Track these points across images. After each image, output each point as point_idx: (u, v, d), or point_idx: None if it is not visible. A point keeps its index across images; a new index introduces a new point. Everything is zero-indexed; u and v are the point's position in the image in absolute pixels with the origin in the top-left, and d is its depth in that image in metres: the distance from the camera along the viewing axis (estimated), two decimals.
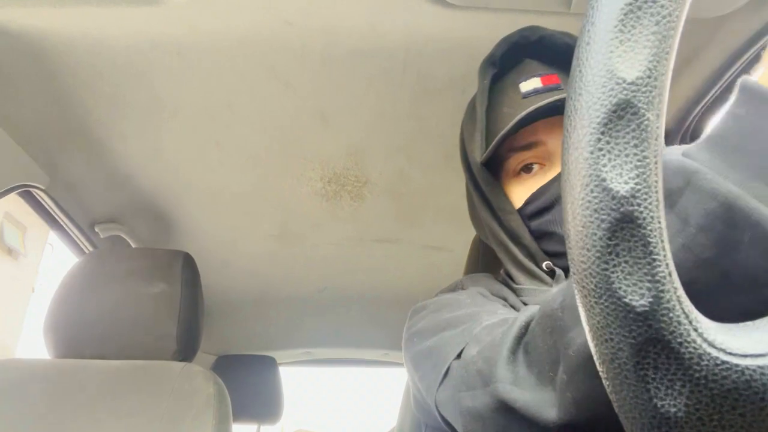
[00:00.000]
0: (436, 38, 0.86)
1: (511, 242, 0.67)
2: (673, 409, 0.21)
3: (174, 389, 0.95)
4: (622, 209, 0.21)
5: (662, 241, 0.22)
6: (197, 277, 1.12)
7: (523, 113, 0.61)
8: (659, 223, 0.22)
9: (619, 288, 0.21)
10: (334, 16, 0.82)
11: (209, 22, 0.83)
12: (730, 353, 0.20)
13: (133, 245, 1.43)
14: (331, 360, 2.26)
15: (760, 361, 0.20)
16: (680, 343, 0.21)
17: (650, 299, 0.21)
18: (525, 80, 0.67)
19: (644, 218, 0.21)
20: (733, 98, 0.29)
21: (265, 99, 1.00)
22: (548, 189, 0.64)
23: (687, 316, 0.21)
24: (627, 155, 0.22)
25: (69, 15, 0.81)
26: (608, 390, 0.23)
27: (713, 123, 0.30)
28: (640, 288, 0.21)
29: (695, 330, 0.21)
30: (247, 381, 1.92)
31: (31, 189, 1.12)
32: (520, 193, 0.67)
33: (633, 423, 0.22)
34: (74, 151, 1.13)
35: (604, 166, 0.22)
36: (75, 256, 1.36)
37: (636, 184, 0.21)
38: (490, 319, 0.52)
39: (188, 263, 1.10)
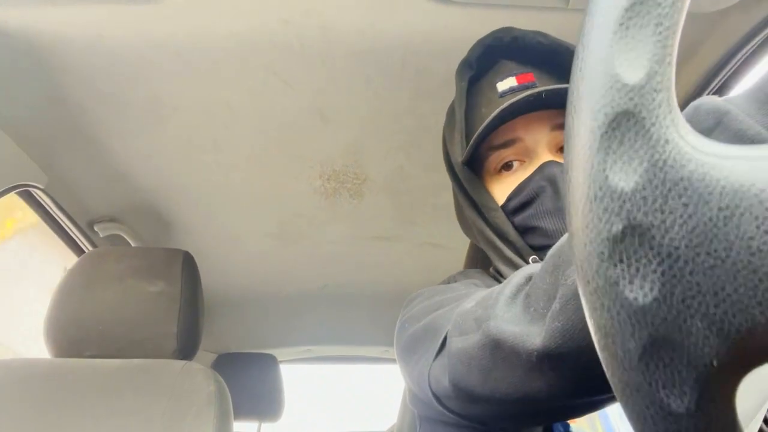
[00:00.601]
0: (435, 36, 0.86)
1: (498, 239, 0.68)
2: (621, 183, 0.21)
3: (174, 388, 0.95)
4: None
5: (675, 29, 0.21)
6: (197, 275, 1.12)
7: (499, 109, 0.63)
8: (679, 11, 0.21)
9: (617, 58, 0.21)
10: (333, 15, 0.82)
11: (208, 21, 0.83)
12: (696, 148, 0.20)
13: (133, 244, 1.43)
14: (332, 357, 2.27)
15: (721, 161, 0.20)
16: (653, 124, 0.21)
17: (642, 75, 0.21)
18: (501, 80, 0.69)
19: None
20: None
21: (263, 97, 1.00)
22: (528, 184, 0.65)
23: (669, 105, 0.21)
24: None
25: (68, 14, 0.81)
26: (566, 164, 0.23)
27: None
28: (637, 63, 0.21)
29: (672, 119, 0.21)
30: (248, 379, 1.92)
31: (29, 188, 1.12)
32: (502, 190, 0.68)
33: (578, 194, 0.22)
34: (73, 151, 1.13)
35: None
36: (74, 256, 1.36)
37: None
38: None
39: (188, 262, 1.10)
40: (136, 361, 1.00)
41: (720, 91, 0.94)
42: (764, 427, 0.61)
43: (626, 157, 0.21)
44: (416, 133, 1.10)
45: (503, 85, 0.68)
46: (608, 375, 0.23)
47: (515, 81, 0.68)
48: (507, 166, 0.68)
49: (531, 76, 0.68)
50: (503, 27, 0.73)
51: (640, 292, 0.21)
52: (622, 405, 0.23)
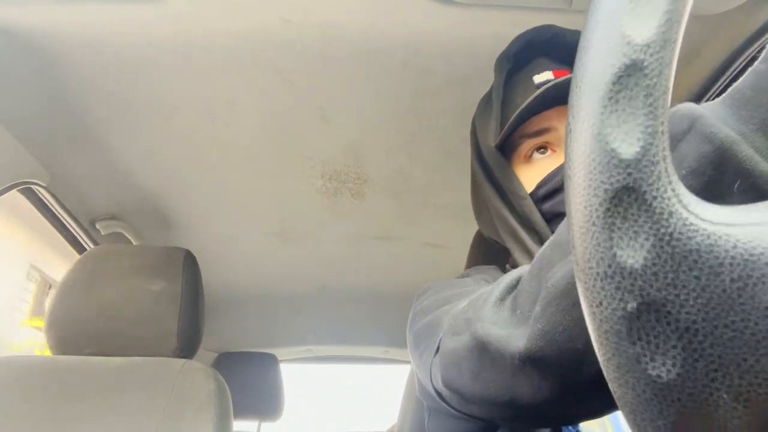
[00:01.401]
0: (436, 36, 0.86)
1: (522, 229, 0.67)
2: (630, 260, 0.21)
3: (175, 386, 0.95)
4: (633, 56, 0.21)
5: (664, 98, 0.21)
6: (198, 274, 1.12)
7: (535, 94, 0.63)
8: (666, 80, 0.21)
9: (610, 133, 0.21)
10: (334, 14, 0.82)
11: (209, 20, 0.83)
12: (700, 217, 0.20)
13: (134, 242, 1.44)
14: (332, 357, 2.27)
15: (728, 230, 0.20)
16: (654, 197, 0.20)
17: (637, 149, 0.21)
18: (538, 73, 0.70)
19: (653, 69, 0.21)
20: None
21: (265, 96, 1.00)
22: (560, 171, 0.65)
23: (668, 175, 0.21)
24: (649, 3, 0.21)
25: (70, 12, 0.81)
26: (572, 240, 0.23)
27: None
28: (630, 137, 0.21)
29: (673, 190, 0.21)
30: (248, 378, 1.92)
31: (31, 186, 1.12)
32: (531, 177, 0.68)
33: (588, 273, 0.22)
34: (75, 148, 1.13)
35: (626, 13, 0.22)
36: (76, 254, 1.36)
37: (654, 34, 0.21)
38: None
39: (189, 260, 1.10)
40: (136, 359, 1.00)
41: (723, 93, 0.94)
42: None
43: (632, 233, 0.21)
44: (417, 133, 1.10)
45: (540, 78, 0.69)
46: None
47: (552, 75, 0.69)
48: (538, 155, 0.68)
49: (568, 72, 0.69)
50: (545, 24, 0.74)
51: (663, 368, 0.20)
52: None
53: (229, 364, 1.95)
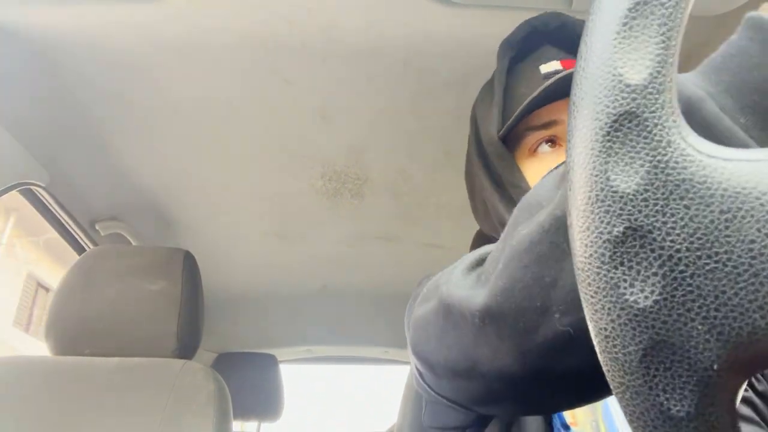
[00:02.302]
0: (437, 36, 0.86)
1: None
2: (623, 185, 0.21)
3: (174, 387, 0.95)
4: None
5: (678, 29, 0.21)
6: (198, 274, 1.12)
7: (543, 86, 0.61)
8: (683, 11, 0.21)
9: (620, 59, 0.21)
10: (335, 14, 0.82)
11: (210, 20, 0.83)
12: (698, 150, 0.20)
13: (134, 243, 1.43)
14: (332, 357, 2.27)
15: (723, 163, 0.20)
16: (656, 125, 0.21)
17: (645, 75, 0.21)
18: (545, 62, 0.68)
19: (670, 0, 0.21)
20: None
21: (265, 97, 1.00)
22: None
23: (672, 106, 0.21)
24: None
25: (70, 13, 0.81)
26: (569, 164, 0.23)
27: None
28: (640, 63, 0.21)
29: (674, 121, 0.21)
30: (248, 378, 1.92)
31: (31, 187, 1.12)
32: (536, 170, 0.66)
33: (581, 196, 0.22)
34: (75, 149, 1.13)
35: None
36: (76, 254, 1.36)
37: None
38: None
39: (189, 261, 1.10)
40: (136, 359, 1.00)
41: None
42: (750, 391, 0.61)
43: (628, 159, 0.21)
44: (418, 133, 1.10)
45: (547, 68, 0.67)
46: (608, 378, 0.23)
47: (560, 65, 0.66)
48: (546, 148, 0.66)
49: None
50: (553, 12, 0.71)
51: (641, 294, 0.21)
52: (622, 408, 0.23)
53: (228, 364, 1.95)
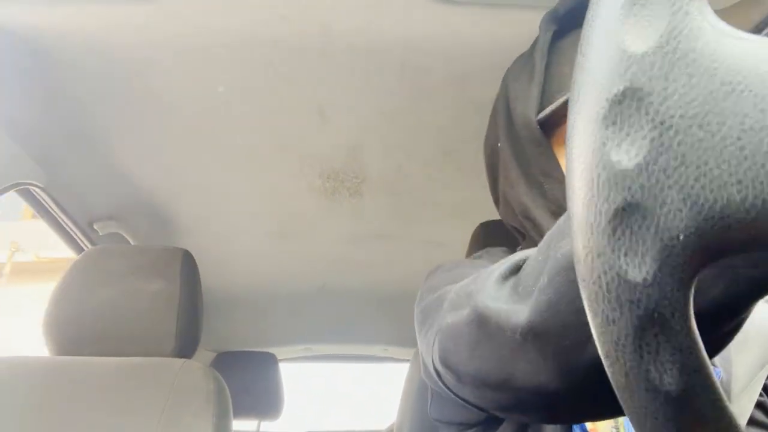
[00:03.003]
0: (434, 35, 0.85)
1: (552, 217, 0.60)
2: (634, 46, 0.21)
3: (174, 386, 0.95)
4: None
5: None
6: (196, 274, 1.12)
7: None
8: None
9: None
10: (332, 12, 0.82)
11: (206, 19, 0.83)
12: (713, 25, 0.21)
13: (132, 242, 1.43)
14: (331, 356, 2.27)
15: (735, 41, 0.20)
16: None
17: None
18: None
19: None
20: None
21: (262, 96, 1.00)
22: None
23: None
24: None
25: (66, 13, 0.81)
26: (584, 32, 0.23)
27: None
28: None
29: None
30: (247, 377, 1.92)
31: (29, 187, 1.12)
32: None
33: (590, 51, 0.22)
34: (72, 149, 1.13)
35: None
36: (74, 254, 1.36)
37: None
38: None
39: (187, 260, 1.10)
40: (135, 359, 1.00)
41: None
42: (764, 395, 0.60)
43: (645, 22, 0.21)
44: (416, 131, 1.10)
45: None
46: (574, 241, 0.23)
47: None
48: None
49: None
50: None
51: (625, 155, 0.21)
52: (578, 270, 0.23)
53: (228, 363, 1.95)
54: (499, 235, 0.96)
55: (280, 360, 2.05)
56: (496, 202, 0.76)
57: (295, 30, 0.85)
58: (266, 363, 1.99)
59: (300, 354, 2.19)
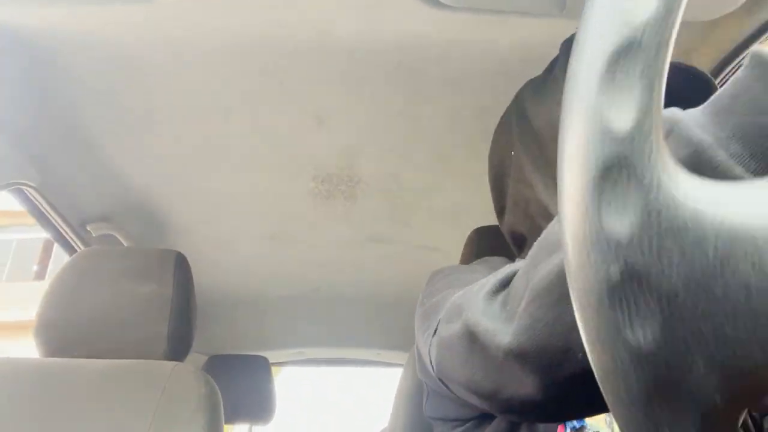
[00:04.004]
0: (430, 39, 0.86)
1: None
2: (617, 229, 0.21)
3: (165, 389, 0.95)
4: (631, 34, 0.21)
5: (660, 76, 0.22)
6: (190, 276, 1.11)
7: None
8: (664, 58, 0.22)
9: (604, 108, 0.21)
10: (329, 17, 0.82)
11: (202, 22, 0.83)
12: (688, 191, 0.21)
13: (125, 244, 1.43)
14: (324, 360, 2.26)
15: (715, 207, 0.20)
16: (645, 172, 0.21)
17: (631, 123, 0.21)
18: None
19: (649, 46, 0.21)
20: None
21: (258, 99, 1.00)
22: None
23: (660, 152, 0.21)
24: None
25: (61, 13, 0.80)
26: (561, 212, 0.23)
27: None
28: (625, 112, 0.21)
29: (663, 165, 0.21)
30: (240, 381, 1.91)
31: (21, 186, 1.11)
32: None
33: (574, 240, 0.22)
34: (66, 149, 1.12)
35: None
36: (66, 255, 1.35)
37: (653, 12, 0.21)
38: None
39: (181, 263, 1.09)
40: (126, 361, 0.99)
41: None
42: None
43: (620, 203, 0.21)
44: (410, 135, 1.11)
45: None
46: (612, 411, 0.23)
47: None
48: None
49: None
50: None
51: (640, 335, 0.21)
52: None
53: (220, 366, 1.94)
54: (494, 240, 0.97)
55: (273, 364, 2.04)
56: (501, 212, 0.79)
57: (291, 33, 0.85)
58: (259, 366, 1.98)
59: (293, 358, 2.19)
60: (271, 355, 2.04)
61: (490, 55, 0.77)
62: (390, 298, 1.78)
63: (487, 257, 0.80)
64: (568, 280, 0.23)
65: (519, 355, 0.36)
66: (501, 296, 0.42)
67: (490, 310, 0.42)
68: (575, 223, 0.22)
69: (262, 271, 1.68)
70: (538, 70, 0.76)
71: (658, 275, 0.20)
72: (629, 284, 0.21)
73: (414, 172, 1.22)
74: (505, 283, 0.43)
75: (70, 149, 1.12)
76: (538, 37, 0.84)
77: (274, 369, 2.01)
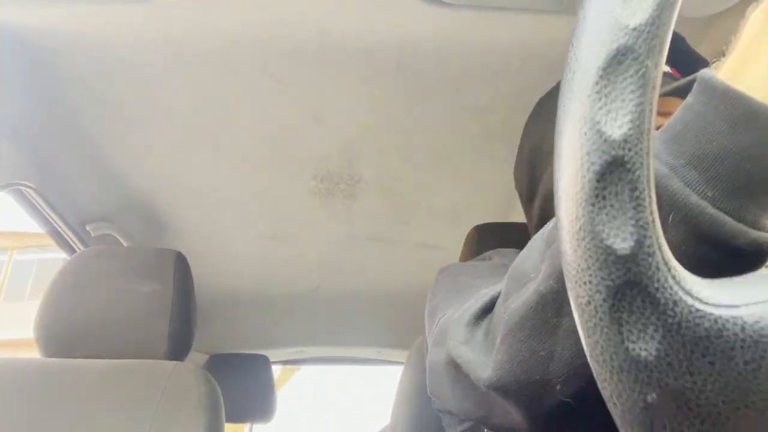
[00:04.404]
0: (430, 37, 0.86)
1: None
2: (644, 353, 0.21)
3: (166, 388, 0.95)
4: (612, 153, 0.21)
5: (649, 188, 0.22)
6: (189, 276, 1.11)
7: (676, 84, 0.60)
8: (648, 169, 0.22)
9: (603, 231, 0.21)
10: (328, 16, 0.82)
11: (203, 21, 0.83)
12: (705, 302, 0.20)
13: (125, 244, 1.42)
14: (324, 358, 2.26)
15: (733, 312, 0.20)
16: (657, 289, 0.21)
17: (632, 243, 0.21)
18: None
19: (633, 163, 0.21)
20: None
21: (258, 97, 1.00)
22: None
23: (666, 264, 0.21)
24: (623, 100, 0.22)
25: (61, 13, 0.80)
26: (581, 333, 0.23)
27: None
28: (623, 232, 0.21)
29: (673, 277, 0.21)
30: (240, 380, 1.91)
31: (21, 187, 1.11)
32: None
33: (603, 366, 0.22)
34: (65, 149, 1.12)
35: (600, 109, 0.22)
36: (66, 255, 1.35)
37: (629, 129, 0.21)
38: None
39: (180, 262, 1.09)
40: (127, 361, 0.99)
41: None
42: None
43: (640, 326, 0.21)
44: (411, 134, 1.10)
45: None
46: None
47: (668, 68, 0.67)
48: None
49: (673, 70, 0.67)
50: None
51: None
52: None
53: (220, 365, 1.94)
54: (494, 238, 0.97)
55: (273, 362, 2.04)
56: (531, 199, 0.79)
57: (290, 32, 0.85)
58: (259, 365, 1.98)
59: (293, 356, 2.19)
60: (272, 354, 2.04)
61: (490, 53, 0.77)
62: (390, 297, 1.79)
63: (500, 248, 0.80)
64: (606, 401, 0.23)
65: (500, 389, 0.37)
66: (484, 323, 0.43)
67: (473, 339, 0.43)
68: (599, 349, 0.22)
69: (262, 270, 1.68)
70: (538, 68, 0.76)
71: (695, 392, 0.20)
72: (669, 406, 0.21)
73: (414, 170, 1.22)
74: (488, 309, 0.44)
75: (70, 149, 1.12)
76: (539, 34, 0.84)
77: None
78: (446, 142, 1.12)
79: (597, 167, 0.22)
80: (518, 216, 1.32)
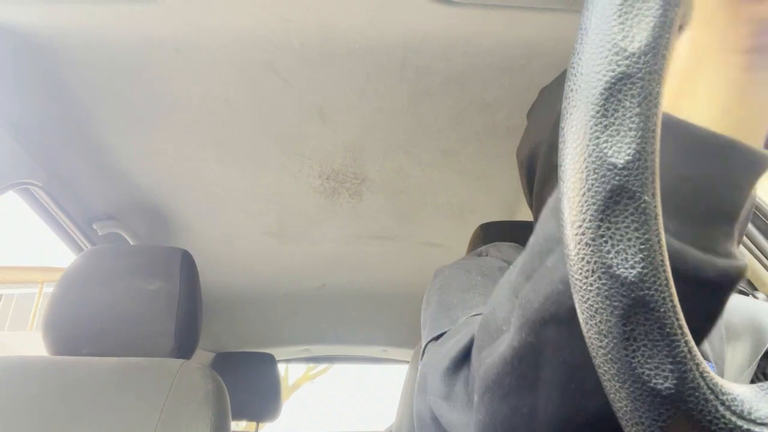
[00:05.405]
0: (435, 35, 0.85)
1: None
2: None
3: (172, 386, 0.95)
4: (632, 295, 0.21)
5: (678, 320, 0.22)
6: (196, 274, 1.11)
7: None
8: (671, 302, 0.22)
9: (642, 373, 0.21)
10: (333, 13, 0.82)
11: (207, 19, 0.83)
12: (762, 423, 0.21)
13: (132, 242, 1.43)
14: (330, 357, 2.27)
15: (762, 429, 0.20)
16: (710, 421, 0.21)
17: (674, 381, 0.21)
18: None
19: (656, 301, 0.21)
20: None
21: (263, 96, 1.00)
22: None
23: (713, 391, 0.21)
24: (629, 239, 0.21)
25: (67, 12, 0.81)
26: None
27: None
28: (663, 371, 0.21)
29: (723, 404, 0.21)
30: (246, 378, 1.92)
31: (28, 186, 1.12)
32: None
33: None
34: (72, 148, 1.12)
35: (608, 252, 0.22)
36: (73, 254, 1.36)
37: (643, 267, 0.21)
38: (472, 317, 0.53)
39: (187, 260, 1.10)
40: (133, 359, 0.99)
41: None
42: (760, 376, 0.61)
43: None
44: (416, 132, 1.10)
45: None
46: None
47: None
48: None
49: None
50: None
51: None
52: None
53: (226, 364, 1.95)
54: (499, 236, 0.96)
55: (279, 361, 2.05)
56: (542, 186, 0.79)
57: (295, 30, 0.85)
58: (265, 363, 1.98)
59: (299, 355, 2.19)
60: (277, 352, 2.05)
61: (495, 51, 0.76)
62: (395, 295, 1.79)
63: (497, 242, 0.79)
64: None
65: None
66: (462, 374, 0.42)
67: (452, 393, 0.42)
68: None
69: (267, 269, 1.68)
70: (544, 66, 0.76)
71: None
72: None
73: (419, 168, 1.22)
74: (467, 354, 0.43)
75: (76, 148, 1.12)
76: (543, 32, 0.83)
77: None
78: (452, 140, 1.12)
79: (620, 311, 0.22)
80: (524, 214, 1.32)
